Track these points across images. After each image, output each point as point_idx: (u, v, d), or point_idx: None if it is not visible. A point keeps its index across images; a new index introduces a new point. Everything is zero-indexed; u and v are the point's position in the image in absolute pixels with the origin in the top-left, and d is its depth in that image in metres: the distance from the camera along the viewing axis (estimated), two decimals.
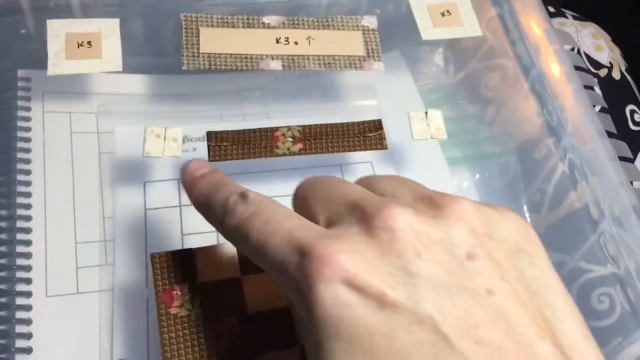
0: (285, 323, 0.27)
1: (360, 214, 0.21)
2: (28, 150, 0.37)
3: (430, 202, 0.22)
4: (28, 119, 0.38)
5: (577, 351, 0.20)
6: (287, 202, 0.24)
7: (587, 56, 0.58)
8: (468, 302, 0.19)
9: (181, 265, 0.28)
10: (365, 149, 0.36)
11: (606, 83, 0.57)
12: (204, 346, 0.27)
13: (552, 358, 0.19)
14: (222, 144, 0.34)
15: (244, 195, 0.24)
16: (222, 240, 0.26)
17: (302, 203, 0.24)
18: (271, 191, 0.25)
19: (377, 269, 0.20)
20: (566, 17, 0.61)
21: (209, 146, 0.34)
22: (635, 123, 0.56)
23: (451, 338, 0.19)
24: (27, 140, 0.37)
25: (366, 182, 0.25)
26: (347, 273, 0.20)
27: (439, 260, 0.20)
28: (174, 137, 0.34)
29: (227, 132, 0.34)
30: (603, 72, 0.57)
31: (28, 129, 0.37)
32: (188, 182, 0.27)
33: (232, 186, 0.25)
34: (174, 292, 0.28)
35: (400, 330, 0.19)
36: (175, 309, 0.28)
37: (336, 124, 0.36)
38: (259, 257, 0.22)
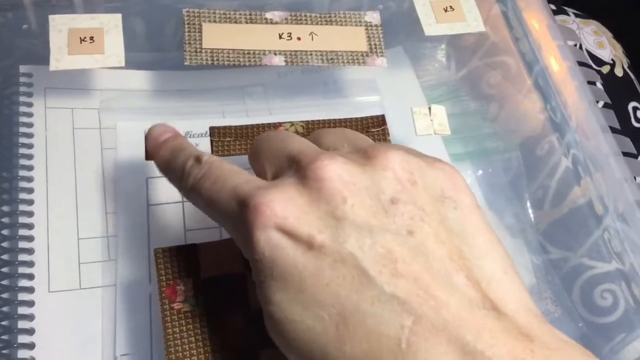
0: None
1: (297, 166, 0.23)
2: (30, 146, 0.36)
3: (363, 154, 0.24)
4: (30, 115, 0.37)
5: (495, 283, 0.22)
6: None
7: (589, 53, 0.58)
8: (388, 241, 0.21)
9: (184, 261, 0.28)
10: None
11: (609, 80, 0.57)
12: (207, 341, 0.27)
13: (465, 289, 0.21)
14: (225, 140, 0.34)
15: (198, 159, 0.26)
16: (226, 235, 0.26)
17: (255, 158, 0.27)
18: None
19: (306, 214, 0.22)
20: (568, 15, 0.61)
21: (212, 142, 0.34)
22: (638, 120, 0.56)
23: (370, 272, 0.21)
24: (29, 136, 0.37)
25: (313, 137, 0.27)
26: (279, 219, 0.22)
27: (364, 204, 0.22)
28: None
29: (229, 127, 0.34)
30: (605, 69, 0.57)
31: (30, 125, 0.37)
32: (152, 147, 0.30)
33: (189, 150, 0.27)
34: (178, 288, 0.28)
35: (325, 268, 0.21)
36: (179, 304, 0.28)
37: (339, 119, 0.36)
38: (211, 212, 0.25)
